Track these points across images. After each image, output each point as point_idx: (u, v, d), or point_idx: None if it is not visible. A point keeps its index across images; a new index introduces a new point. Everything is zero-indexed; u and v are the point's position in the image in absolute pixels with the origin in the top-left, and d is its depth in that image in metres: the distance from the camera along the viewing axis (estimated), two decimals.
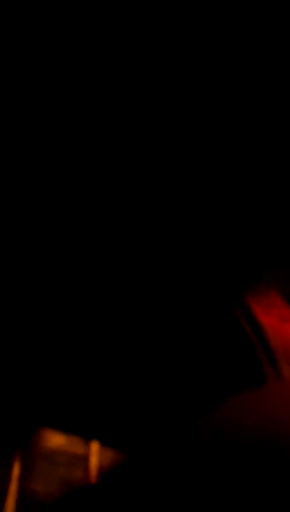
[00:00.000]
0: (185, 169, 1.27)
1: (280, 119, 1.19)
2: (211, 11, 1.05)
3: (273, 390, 1.31)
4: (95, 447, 1.69)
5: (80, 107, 1.16)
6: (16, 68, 1.10)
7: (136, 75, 1.12)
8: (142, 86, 1.14)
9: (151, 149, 1.22)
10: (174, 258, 1.43)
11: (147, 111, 1.16)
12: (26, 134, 1.19)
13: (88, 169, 1.27)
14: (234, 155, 1.26)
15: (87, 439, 1.70)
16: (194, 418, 1.21)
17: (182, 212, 1.38)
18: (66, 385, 1.78)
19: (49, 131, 1.19)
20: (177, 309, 1.57)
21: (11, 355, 1.70)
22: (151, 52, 1.09)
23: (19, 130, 1.18)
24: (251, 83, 1.20)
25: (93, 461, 1.65)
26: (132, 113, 1.17)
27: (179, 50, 1.10)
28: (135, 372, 1.62)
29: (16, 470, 1.54)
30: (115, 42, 1.09)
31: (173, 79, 1.13)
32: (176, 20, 1.07)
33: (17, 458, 1.57)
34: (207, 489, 1.05)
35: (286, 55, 1.09)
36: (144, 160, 1.24)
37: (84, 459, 1.67)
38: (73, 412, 1.78)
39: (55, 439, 1.69)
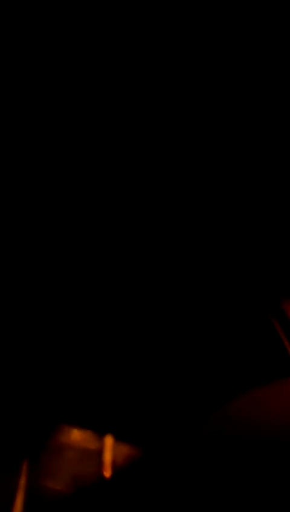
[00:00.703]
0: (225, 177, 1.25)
1: (280, 119, 1.16)
2: (211, 11, 1.01)
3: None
4: (109, 441, 1.65)
5: (80, 107, 1.13)
6: (16, 69, 1.07)
7: (136, 75, 1.08)
8: (142, 87, 1.10)
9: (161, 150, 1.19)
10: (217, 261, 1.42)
11: (147, 111, 1.13)
12: (26, 135, 1.16)
13: (88, 169, 1.24)
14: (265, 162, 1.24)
15: (101, 433, 1.67)
16: (213, 411, 1.17)
17: (225, 218, 1.36)
18: (79, 379, 1.75)
19: (49, 132, 1.17)
20: (208, 307, 1.55)
21: (23, 353, 1.68)
22: (152, 53, 1.06)
23: (19, 130, 1.15)
24: (251, 83, 1.16)
25: (107, 456, 1.61)
26: (132, 113, 1.13)
27: (179, 51, 1.07)
28: (156, 366, 1.59)
29: (26, 466, 1.51)
30: (115, 43, 1.05)
31: (173, 79, 1.10)
32: (176, 20, 1.04)
33: (28, 454, 1.54)
34: (225, 485, 1.01)
35: (285, 56, 1.05)
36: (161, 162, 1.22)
37: (98, 454, 1.63)
38: (87, 406, 1.75)
39: (68, 434, 1.66)
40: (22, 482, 1.45)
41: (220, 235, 1.39)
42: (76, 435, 1.66)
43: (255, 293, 1.52)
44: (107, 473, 1.55)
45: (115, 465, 1.59)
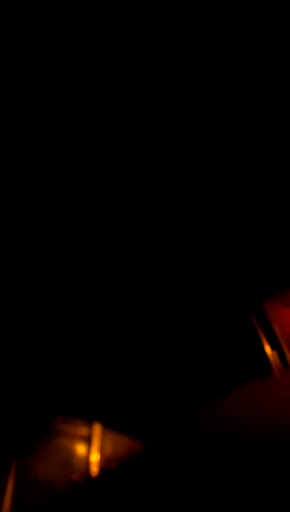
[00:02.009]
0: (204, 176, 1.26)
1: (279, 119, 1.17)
2: (211, 11, 1.01)
3: (279, 380, 1.30)
4: (97, 429, 1.69)
5: (80, 108, 1.13)
6: (17, 69, 1.07)
7: (136, 75, 1.08)
8: (142, 87, 1.11)
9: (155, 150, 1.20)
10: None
11: (147, 111, 1.13)
12: (26, 135, 1.16)
13: (88, 170, 1.25)
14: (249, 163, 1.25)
15: (89, 420, 1.70)
16: (200, 408, 1.20)
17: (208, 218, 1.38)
18: (69, 366, 1.78)
19: (49, 132, 1.17)
20: (191, 305, 1.57)
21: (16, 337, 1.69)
22: (152, 53, 1.06)
23: (20, 130, 1.15)
24: (250, 83, 1.17)
25: (96, 443, 1.65)
26: (132, 113, 1.14)
27: (179, 50, 1.07)
28: (142, 359, 1.62)
29: (17, 453, 1.54)
30: (115, 43, 1.05)
31: (173, 79, 1.10)
32: (176, 20, 1.04)
33: (18, 440, 1.58)
34: (214, 483, 1.04)
35: (285, 55, 1.06)
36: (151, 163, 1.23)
37: (87, 441, 1.67)
38: (75, 393, 1.78)
39: (56, 421, 1.69)
40: (12, 470, 1.49)
41: (203, 235, 1.42)
42: (65, 422, 1.70)
43: (237, 294, 1.54)
44: (96, 461, 1.59)
45: (103, 453, 1.64)
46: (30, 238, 1.38)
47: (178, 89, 1.18)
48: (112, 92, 1.16)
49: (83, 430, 1.66)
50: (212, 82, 1.16)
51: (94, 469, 1.57)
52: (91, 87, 1.16)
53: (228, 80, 1.16)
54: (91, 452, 1.61)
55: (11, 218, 1.33)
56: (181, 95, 1.18)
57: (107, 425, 1.72)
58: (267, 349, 1.54)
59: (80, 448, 1.62)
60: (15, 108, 1.17)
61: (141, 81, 1.15)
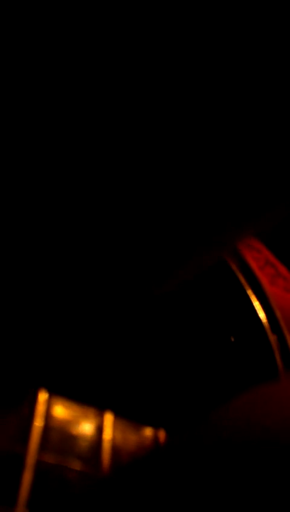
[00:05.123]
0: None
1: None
2: (211, 11, 1.00)
3: (286, 385, 1.34)
4: (109, 418, 1.76)
5: (80, 108, 1.14)
6: (16, 69, 1.07)
7: (136, 75, 1.08)
8: (141, 87, 1.11)
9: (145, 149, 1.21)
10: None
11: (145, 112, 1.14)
12: (26, 135, 1.18)
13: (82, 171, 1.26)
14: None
15: (101, 409, 1.77)
16: (209, 410, 1.24)
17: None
18: (82, 354, 1.83)
19: (49, 132, 1.18)
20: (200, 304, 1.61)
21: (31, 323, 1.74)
22: (151, 53, 1.05)
23: (20, 130, 1.17)
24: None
25: (107, 433, 1.73)
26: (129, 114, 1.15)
27: (179, 50, 1.06)
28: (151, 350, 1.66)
29: (33, 442, 1.61)
30: (115, 43, 1.05)
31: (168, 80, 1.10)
32: (176, 20, 1.03)
33: (33, 430, 1.65)
34: (216, 484, 1.09)
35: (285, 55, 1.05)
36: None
37: (98, 430, 1.74)
38: (87, 382, 1.84)
39: (68, 410, 1.76)
40: (30, 460, 1.57)
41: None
42: (77, 411, 1.77)
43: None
44: (107, 450, 1.67)
45: (114, 442, 1.71)
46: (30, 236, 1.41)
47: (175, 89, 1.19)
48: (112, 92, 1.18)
49: (94, 419, 1.74)
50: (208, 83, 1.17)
51: (105, 459, 1.65)
52: (91, 87, 1.18)
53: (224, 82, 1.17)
54: (103, 442, 1.69)
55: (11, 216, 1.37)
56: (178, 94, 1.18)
57: (119, 414, 1.79)
58: (276, 354, 1.58)
59: (92, 438, 1.70)
60: (15, 107, 1.19)
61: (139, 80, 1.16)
